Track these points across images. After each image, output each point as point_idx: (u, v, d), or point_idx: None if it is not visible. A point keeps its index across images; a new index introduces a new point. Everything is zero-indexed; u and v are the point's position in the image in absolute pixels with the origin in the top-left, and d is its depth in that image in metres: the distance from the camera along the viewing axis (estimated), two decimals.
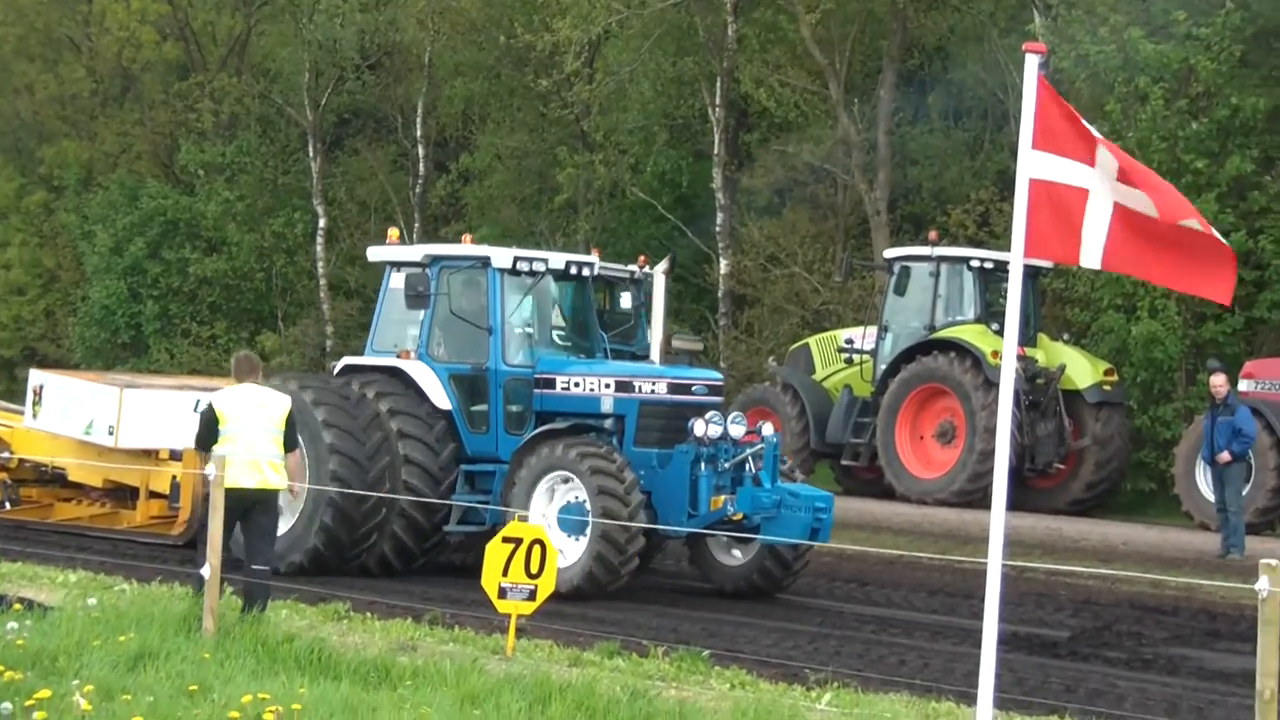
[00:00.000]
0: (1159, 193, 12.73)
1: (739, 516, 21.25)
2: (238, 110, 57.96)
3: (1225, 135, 35.17)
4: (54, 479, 27.41)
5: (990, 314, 31.56)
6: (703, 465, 21.38)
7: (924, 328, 31.43)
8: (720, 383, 23.77)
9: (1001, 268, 30.77)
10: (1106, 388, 31.83)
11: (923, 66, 46.05)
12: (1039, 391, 30.89)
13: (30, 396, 26.94)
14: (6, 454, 27.35)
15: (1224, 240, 13.07)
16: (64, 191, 61.84)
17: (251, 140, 57.27)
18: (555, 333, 23.96)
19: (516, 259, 23.01)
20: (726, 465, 21.50)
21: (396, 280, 23.50)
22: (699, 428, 21.37)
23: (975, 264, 32.11)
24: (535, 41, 45.58)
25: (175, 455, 24.81)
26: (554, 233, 47.70)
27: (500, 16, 49.94)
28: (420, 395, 22.74)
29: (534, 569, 16.45)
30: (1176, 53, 35.46)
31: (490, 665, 14.96)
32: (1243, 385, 29.09)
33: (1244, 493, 26.99)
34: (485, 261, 22.89)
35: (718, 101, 45.78)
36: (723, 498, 21.33)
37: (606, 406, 22.30)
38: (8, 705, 12.24)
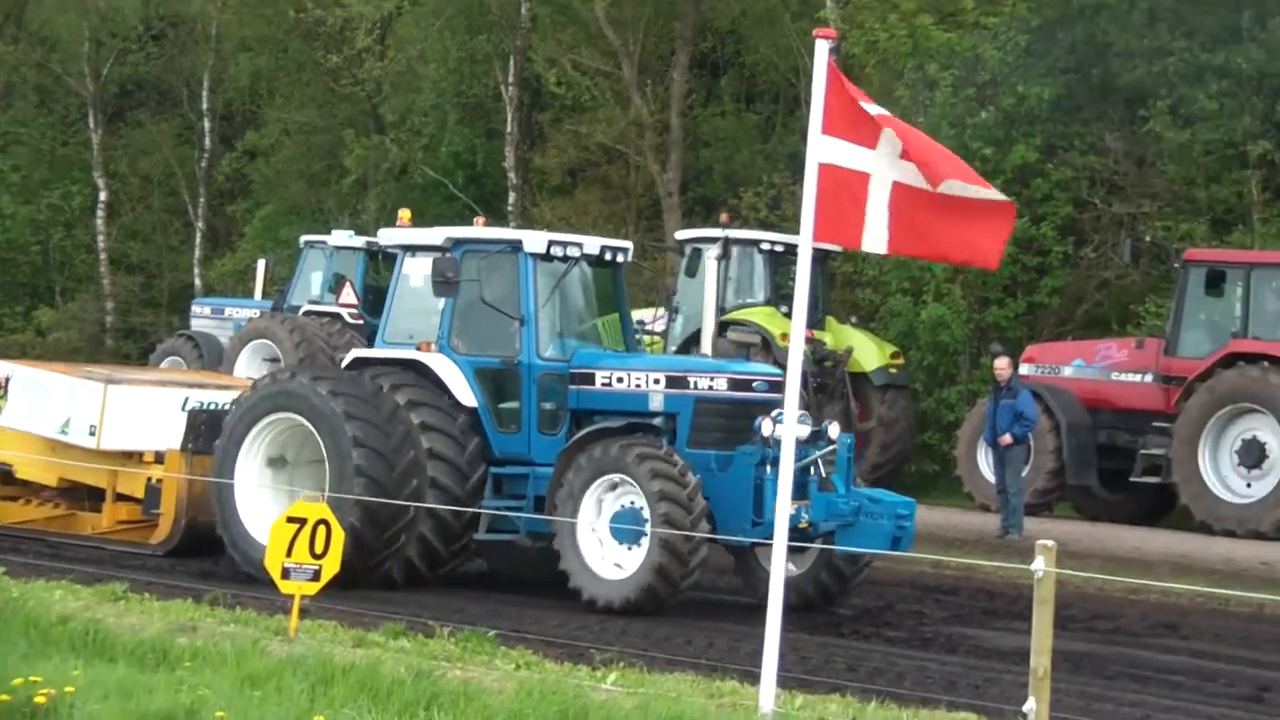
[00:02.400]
0: (927, 161, 12.95)
1: (804, 525, 19.21)
2: (14, 79, 57.04)
3: (1010, 123, 35.67)
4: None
5: (780, 296, 31.73)
6: (768, 468, 19.03)
7: (716, 308, 31.57)
8: (781, 378, 20.41)
9: (791, 251, 30.92)
10: (893, 370, 32.14)
11: (716, 49, 46.28)
12: (826, 374, 31.12)
13: None
14: None
15: (999, 197, 13.31)
16: None
17: (28, 110, 56.78)
18: (586, 323, 22.10)
19: (550, 243, 21.03)
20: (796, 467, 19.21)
21: (411, 266, 21.70)
22: (767, 427, 19.32)
23: (766, 247, 32.30)
24: (325, 16, 45.47)
25: (158, 458, 22.92)
26: (342, 210, 47.46)
27: None
28: (441, 389, 20.79)
29: (319, 549, 16.33)
30: (965, 41, 35.95)
31: (272, 646, 14.85)
32: (1024, 369, 29.53)
33: (1023, 474, 27.38)
34: (516, 246, 21.01)
35: (511, 80, 45.85)
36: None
37: (656, 404, 20.39)
38: None
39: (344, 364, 22.09)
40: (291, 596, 16.10)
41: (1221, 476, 28.10)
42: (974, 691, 15.90)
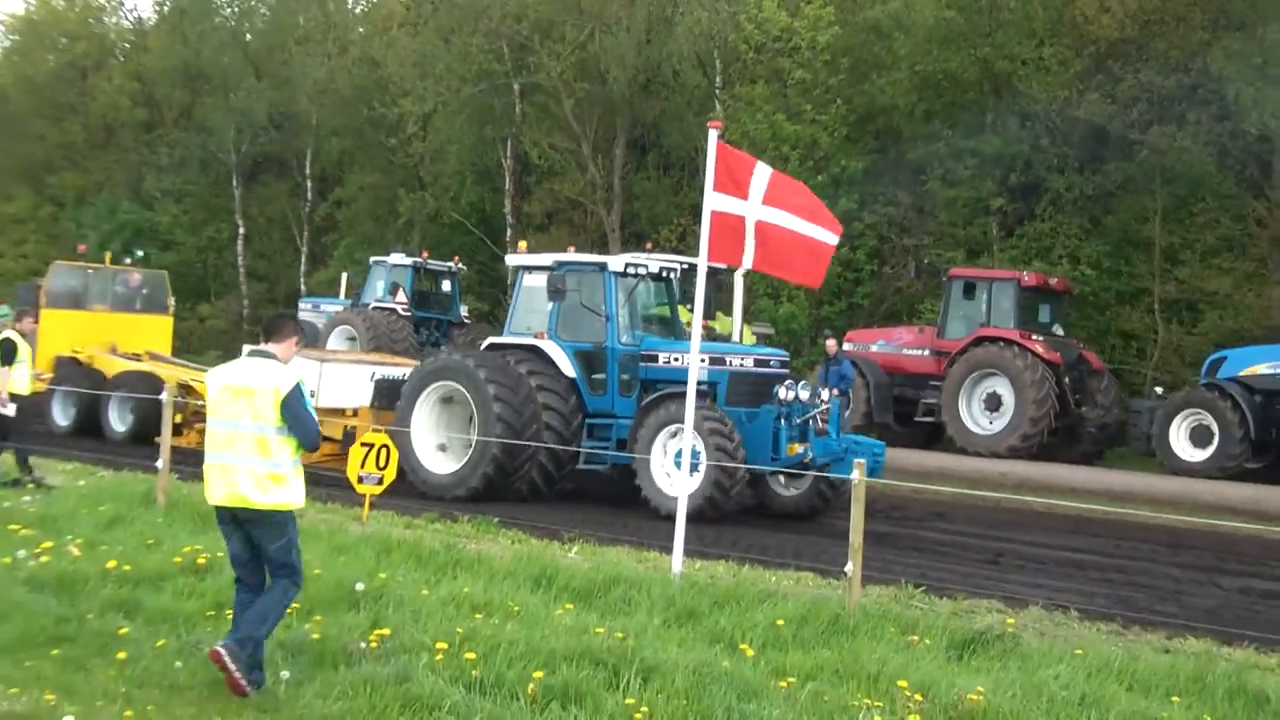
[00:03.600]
0: (786, 203, 13.27)
1: (808, 460, 19.20)
2: (186, 154, 56.94)
3: (837, 185, 35.78)
4: None
5: (686, 298, 31.56)
6: (783, 421, 19.04)
7: None
8: (787, 358, 21.03)
9: (693, 269, 30.85)
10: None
11: (644, 135, 46.25)
12: None
13: None
14: (203, 402, 23.87)
15: (829, 238, 13.51)
16: (65, 207, 60.88)
17: (194, 174, 56.96)
18: (649, 319, 21.17)
19: (627, 264, 20.61)
20: (799, 421, 19.23)
21: (529, 280, 20.93)
22: (784, 392, 19.19)
23: (680, 266, 32.26)
24: (386, 113, 45.26)
25: (354, 412, 21.83)
26: (397, 240, 47.42)
27: (363, 94, 49.53)
28: (552, 365, 20.24)
29: (382, 463, 16.30)
30: (805, 131, 36.04)
31: (351, 528, 14.82)
32: (846, 346, 29.56)
33: (845, 416, 27.45)
34: (603, 266, 20.47)
35: (509, 155, 45.89)
36: (797, 445, 19.11)
37: (702, 376, 19.20)
38: (23, 552, 11.91)
39: (482, 348, 21.32)
40: (364, 496, 16.08)
41: (973, 417, 28.24)
42: (814, 558, 15.94)
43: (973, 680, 9.15)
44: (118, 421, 24.94)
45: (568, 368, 20.21)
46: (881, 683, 9.06)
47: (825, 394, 20.07)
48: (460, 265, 38.22)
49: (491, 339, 21.40)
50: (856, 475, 12.05)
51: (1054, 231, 34.17)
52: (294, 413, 8.69)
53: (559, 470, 20.31)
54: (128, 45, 64.24)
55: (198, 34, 57.41)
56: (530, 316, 20.96)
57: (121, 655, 9.07)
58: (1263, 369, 26.09)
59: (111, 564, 11.49)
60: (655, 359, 20.09)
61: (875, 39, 36.16)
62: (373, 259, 37.93)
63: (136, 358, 26.45)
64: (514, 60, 44.52)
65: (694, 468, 18.05)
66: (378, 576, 11.49)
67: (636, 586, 11.81)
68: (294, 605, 9.38)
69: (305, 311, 39.31)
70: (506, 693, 8.37)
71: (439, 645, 8.98)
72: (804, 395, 19.34)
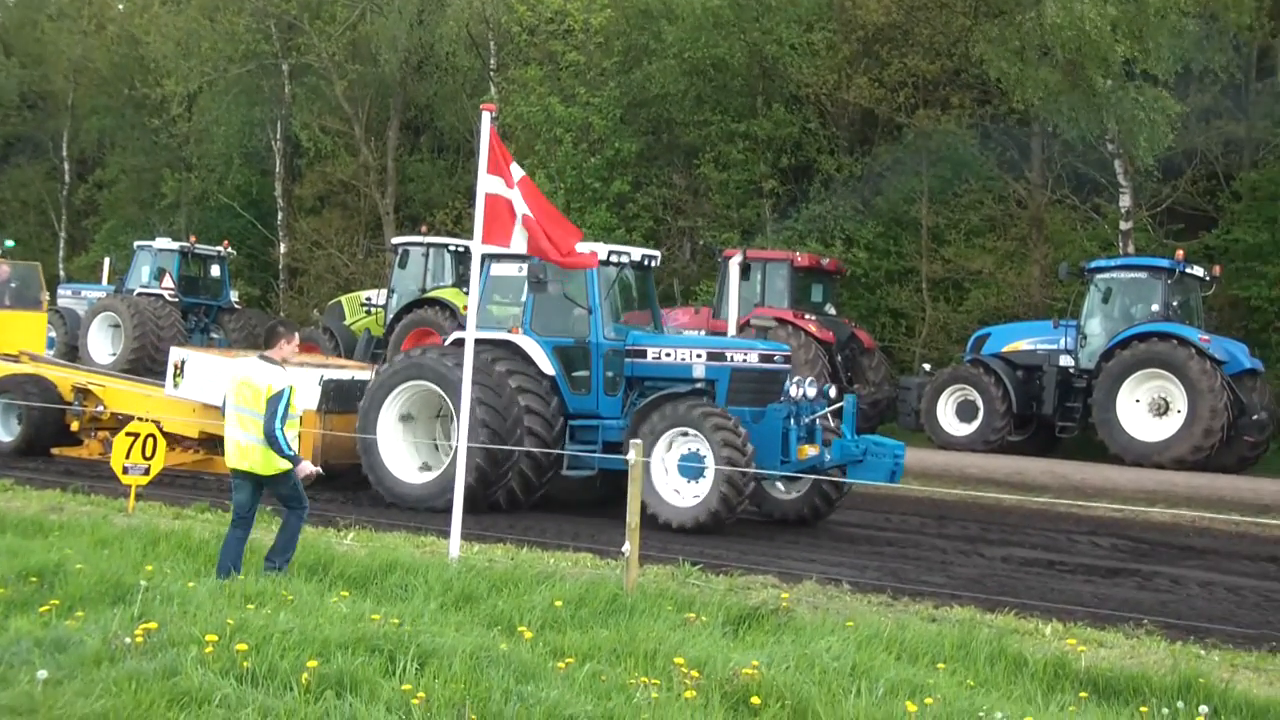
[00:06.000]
0: (543, 215, 13.45)
1: (823, 463, 17.77)
2: None
3: (611, 167, 35.99)
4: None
5: (463, 280, 31.54)
6: (792, 421, 17.72)
7: (419, 290, 31.25)
8: (790, 353, 19.81)
9: (469, 250, 30.74)
10: None
11: (417, 117, 45.91)
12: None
13: (171, 369, 21.10)
14: (100, 407, 21.94)
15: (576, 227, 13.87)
16: None
17: None
18: (626, 310, 19.85)
19: (610, 253, 19.04)
20: (806, 420, 17.89)
21: (497, 269, 19.28)
22: (795, 390, 17.96)
23: (452, 248, 32.07)
24: (150, 93, 44.11)
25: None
26: (162, 223, 46.33)
27: (124, 73, 48.53)
28: (530, 363, 18.75)
29: (149, 453, 15.92)
30: (580, 114, 36.13)
31: (117, 520, 14.44)
32: None
33: None
34: None
35: (278, 137, 45.14)
36: (808, 447, 17.70)
37: (698, 373, 18.38)
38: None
39: (446, 343, 19.79)
40: (129, 486, 15.67)
41: None
42: (591, 540, 16.04)
43: (748, 655, 9.31)
44: (3, 431, 22.66)
45: (547, 365, 18.85)
46: (659, 660, 9.15)
47: (833, 391, 19.07)
48: (229, 250, 37.50)
49: (457, 334, 19.66)
50: (633, 455, 12.15)
51: (826, 213, 34.89)
52: (271, 407, 11.50)
53: (540, 477, 18.79)
54: None
55: None
56: (500, 310, 19.60)
57: None
58: (1024, 345, 27.07)
59: None
60: (643, 354, 18.83)
61: (646, 24, 36.40)
62: (137, 243, 37.06)
63: (13, 359, 24.08)
64: (282, 40, 43.73)
65: (699, 473, 17.32)
66: (144, 569, 11.20)
67: (413, 572, 11.73)
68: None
69: (65, 298, 38.20)
70: (280, 683, 8.22)
71: (209, 637, 8.78)
72: (811, 392, 18.14)
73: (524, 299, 19.06)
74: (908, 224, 35.05)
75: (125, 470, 15.73)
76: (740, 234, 35.36)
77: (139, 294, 34.61)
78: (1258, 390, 25.36)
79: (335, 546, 13.28)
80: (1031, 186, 33.49)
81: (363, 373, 21.26)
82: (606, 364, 18.76)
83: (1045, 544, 18.67)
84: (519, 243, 13.31)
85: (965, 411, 27.02)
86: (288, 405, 11.55)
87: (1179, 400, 24.53)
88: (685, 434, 17.51)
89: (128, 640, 8.86)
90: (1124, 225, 30.45)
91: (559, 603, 10.73)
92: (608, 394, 18.78)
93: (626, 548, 11.84)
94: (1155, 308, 25.39)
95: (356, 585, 11.54)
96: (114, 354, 33.07)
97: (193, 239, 37.24)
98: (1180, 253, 26.10)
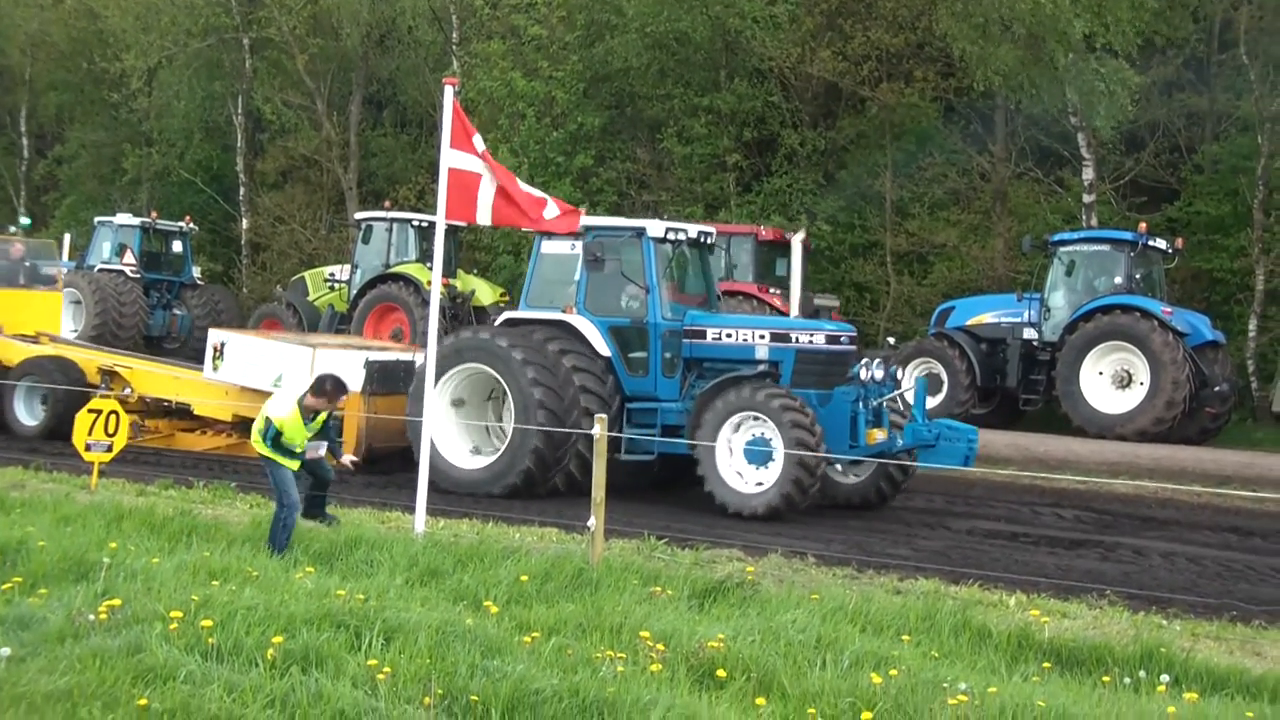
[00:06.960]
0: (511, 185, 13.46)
1: (896, 447, 17.29)
2: None
3: (574, 141, 35.91)
4: (177, 412, 21.68)
5: (426, 256, 31.46)
6: (860, 404, 17.13)
7: (382, 265, 31.16)
8: (855, 334, 19.07)
9: (433, 225, 30.63)
10: (502, 304, 32.04)
11: (380, 91, 45.67)
12: (458, 308, 30.95)
13: (210, 352, 20.71)
14: (128, 390, 21.18)
15: (544, 196, 13.75)
16: None
17: None
18: (690, 289, 19.19)
19: (667, 229, 18.37)
20: (874, 403, 17.27)
21: (549, 247, 18.69)
22: (864, 372, 17.36)
23: (415, 223, 31.96)
24: (109, 67, 43.76)
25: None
26: (123, 199, 45.98)
27: (82, 47, 47.92)
28: (585, 343, 18.14)
29: (111, 430, 15.85)
30: (542, 88, 36.05)
31: (80, 497, 14.38)
32: None
33: None
34: (640, 232, 18.18)
35: (240, 111, 44.85)
36: (876, 431, 17.14)
37: (761, 354, 17.77)
38: None
39: (496, 323, 19.19)
40: (93, 463, 15.60)
41: None
42: (558, 514, 16.06)
43: (713, 628, 9.36)
44: (26, 415, 22.16)
45: (602, 346, 18.24)
46: (624, 634, 9.19)
47: (900, 374, 18.35)
48: (191, 225, 37.28)
49: (508, 314, 19.22)
50: (598, 429, 12.17)
51: (790, 187, 34.91)
52: (263, 421, 12.61)
53: None
54: None
55: None
56: (552, 288, 18.84)
57: None
58: (987, 318, 27.18)
59: None
60: (702, 335, 18.23)
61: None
62: (98, 219, 36.79)
63: (33, 340, 23.45)
64: (243, 14, 43.41)
65: (766, 458, 16.85)
66: (108, 546, 11.16)
67: (379, 547, 11.74)
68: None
69: None
70: (245, 659, 8.23)
71: (173, 614, 8.78)
72: (879, 375, 17.55)
73: (577, 277, 18.46)
74: (871, 198, 35.11)
75: (88, 447, 15.67)
76: (704, 208, 35.35)
77: (100, 270, 34.40)
78: (1219, 362, 25.54)
79: (300, 522, 13.25)
80: (995, 160, 33.60)
81: (406, 354, 20.87)
82: (664, 345, 18.19)
83: (1009, 516, 18.81)
84: (484, 216, 13.30)
85: (930, 385, 27.09)
86: (279, 432, 12.46)
87: (1141, 372, 24.70)
88: (754, 418, 16.96)
89: (91, 617, 8.84)
90: (1087, 198, 30.61)
91: (525, 577, 10.76)
92: (666, 376, 18.23)
93: (592, 522, 11.88)
94: (1118, 280, 25.54)
95: (322, 561, 11.55)
96: (75, 330, 32.85)
97: (154, 214, 36.97)
98: (1143, 225, 26.25)
